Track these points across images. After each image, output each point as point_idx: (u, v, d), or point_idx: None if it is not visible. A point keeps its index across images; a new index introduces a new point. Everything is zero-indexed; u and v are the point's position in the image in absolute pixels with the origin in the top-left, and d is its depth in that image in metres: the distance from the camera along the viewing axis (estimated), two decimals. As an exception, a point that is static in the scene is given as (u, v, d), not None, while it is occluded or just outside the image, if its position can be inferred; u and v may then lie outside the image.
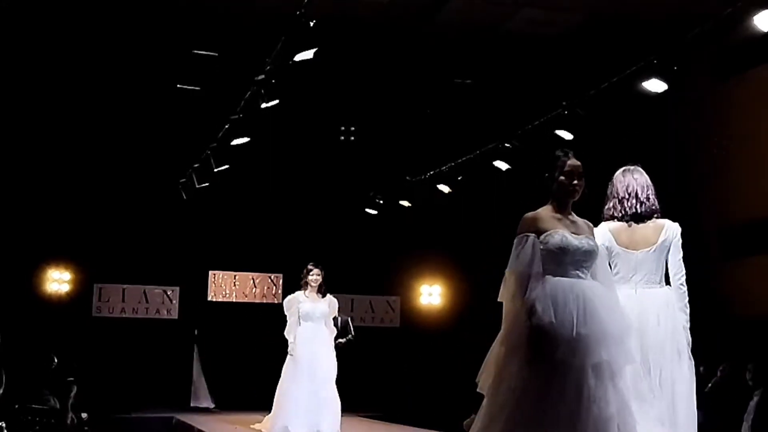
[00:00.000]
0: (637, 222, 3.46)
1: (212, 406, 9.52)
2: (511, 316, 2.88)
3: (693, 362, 3.34)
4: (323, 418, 6.00)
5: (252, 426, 6.88)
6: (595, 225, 3.14)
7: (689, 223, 4.03)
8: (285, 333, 6.28)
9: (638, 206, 3.44)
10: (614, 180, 3.56)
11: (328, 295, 6.35)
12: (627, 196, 3.52)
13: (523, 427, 2.70)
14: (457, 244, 10.17)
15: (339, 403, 6.18)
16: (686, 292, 3.42)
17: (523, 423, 2.70)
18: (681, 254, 3.43)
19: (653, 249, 3.45)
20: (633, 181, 3.48)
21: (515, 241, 2.92)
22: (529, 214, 2.98)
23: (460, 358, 9.09)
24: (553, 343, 2.72)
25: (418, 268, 10.48)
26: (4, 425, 5.93)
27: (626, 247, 3.50)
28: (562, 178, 2.91)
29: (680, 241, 3.44)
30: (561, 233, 2.86)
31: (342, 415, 6.61)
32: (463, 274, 10.40)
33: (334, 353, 6.31)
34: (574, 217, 2.97)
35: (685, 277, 3.44)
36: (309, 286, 6.27)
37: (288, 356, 6.16)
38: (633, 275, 3.46)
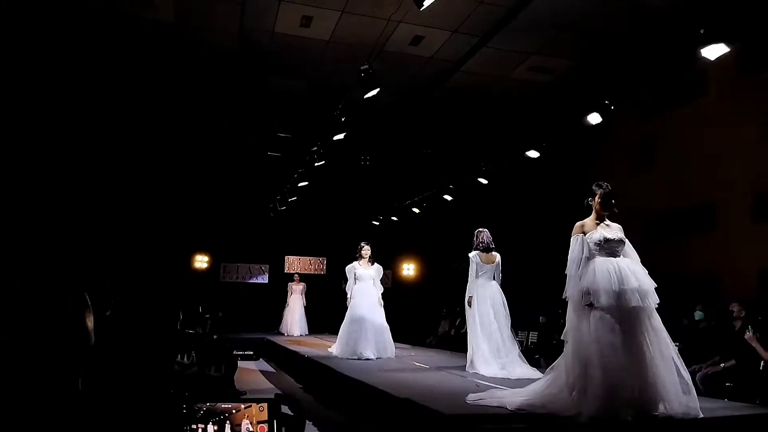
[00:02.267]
0: (487, 252, 6.13)
1: (301, 334, 11.69)
2: (572, 283, 3.78)
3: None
4: (381, 345, 7.14)
5: (328, 349, 7.84)
6: (570, 225, 3.99)
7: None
8: (345, 288, 7.65)
9: (489, 244, 6.16)
10: (478, 233, 6.21)
11: (375, 263, 7.60)
12: (485, 240, 6.18)
13: (587, 351, 3.51)
14: (424, 242, 13.32)
15: (390, 333, 7.34)
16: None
17: (587, 348, 3.53)
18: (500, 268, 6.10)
19: (494, 264, 6.12)
20: (485, 235, 6.22)
21: (571, 239, 3.91)
22: (579, 222, 3.95)
23: (424, 303, 12.18)
24: (596, 295, 3.59)
25: (401, 255, 13.95)
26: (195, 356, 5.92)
27: (484, 262, 6.10)
28: (598, 200, 3.94)
29: (500, 263, 6.15)
30: (600, 232, 3.84)
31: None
32: (425, 259, 13.87)
33: (381, 302, 7.46)
34: (608, 221, 3.93)
35: (500, 279, 6.08)
36: (362, 257, 7.60)
37: (348, 303, 7.49)
38: (486, 275, 6.08)
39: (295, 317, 12.15)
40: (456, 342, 9.20)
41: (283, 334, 11.90)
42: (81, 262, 10.59)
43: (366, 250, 7.63)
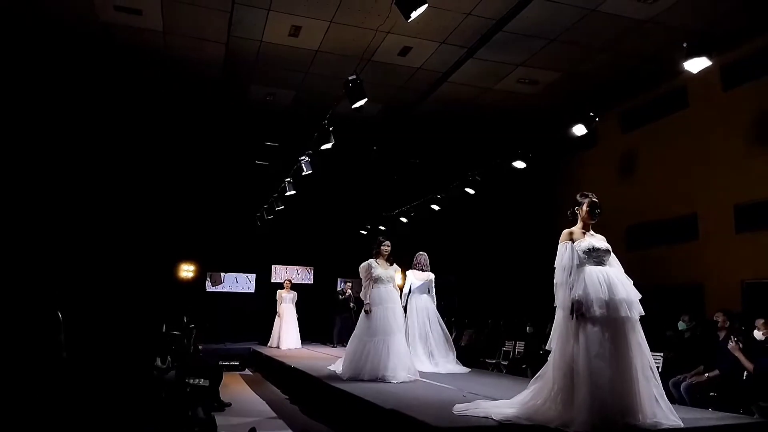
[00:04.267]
0: (422, 272, 7.37)
1: (295, 347, 10.78)
2: (561, 292, 3.73)
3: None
4: (404, 363, 5.90)
5: (329, 368, 6.78)
6: (558, 232, 4.03)
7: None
8: (361, 295, 6.34)
9: (424, 267, 7.38)
10: (417, 256, 7.46)
11: (394, 263, 6.45)
12: (422, 262, 7.43)
13: (575, 361, 3.51)
14: (409, 252, 13.02)
15: (408, 354, 6.13)
16: (435, 297, 7.18)
17: (571, 355, 3.54)
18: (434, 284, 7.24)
19: (428, 281, 7.32)
20: (423, 257, 7.46)
21: (559, 246, 3.85)
22: (566, 230, 3.94)
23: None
24: (588, 306, 3.57)
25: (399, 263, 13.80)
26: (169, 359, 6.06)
27: (419, 279, 7.28)
28: (586, 209, 4.00)
29: (434, 281, 7.32)
30: (588, 241, 3.86)
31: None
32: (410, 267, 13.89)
33: (402, 309, 6.32)
34: (593, 232, 4.01)
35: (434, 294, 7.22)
36: (380, 255, 6.37)
37: (363, 313, 6.14)
38: (420, 289, 7.24)
39: (288, 329, 11.17)
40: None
41: (278, 348, 10.88)
42: (60, 271, 10.25)
43: (387, 246, 6.47)
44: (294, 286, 11.93)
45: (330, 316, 12.47)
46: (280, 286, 12.79)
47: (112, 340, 3.81)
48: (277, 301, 11.56)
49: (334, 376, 6.23)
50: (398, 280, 6.52)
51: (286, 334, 11.11)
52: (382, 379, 5.77)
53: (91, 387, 3.16)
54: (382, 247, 6.47)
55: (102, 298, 8.00)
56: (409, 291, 7.28)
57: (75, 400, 3.03)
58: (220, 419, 5.88)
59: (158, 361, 4.94)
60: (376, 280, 6.26)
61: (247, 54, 9.48)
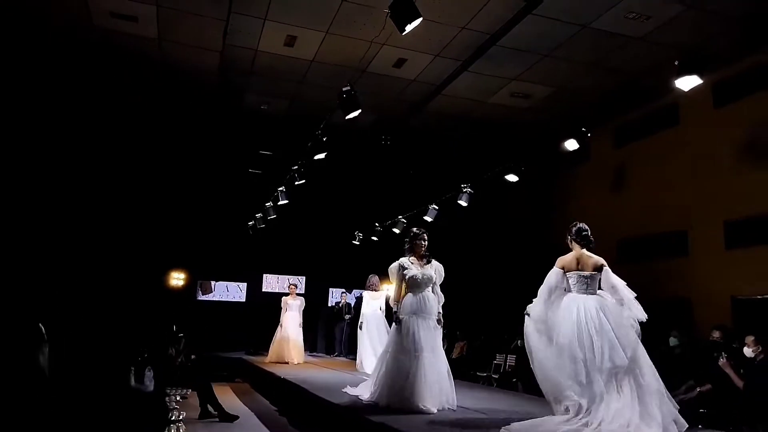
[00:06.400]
0: (375, 292, 8.77)
1: (299, 361, 9.99)
2: (537, 307, 4.20)
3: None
4: (444, 390, 4.86)
5: (348, 391, 5.67)
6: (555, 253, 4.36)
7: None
8: (390, 302, 5.32)
9: (375, 287, 8.82)
10: (370, 277, 8.88)
11: (433, 260, 5.20)
12: (374, 283, 8.97)
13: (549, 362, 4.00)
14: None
15: (448, 378, 4.93)
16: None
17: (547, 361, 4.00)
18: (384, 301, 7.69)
19: (379, 300, 8.54)
20: (375, 279, 8.95)
21: (552, 270, 4.26)
22: (561, 257, 4.33)
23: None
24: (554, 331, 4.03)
25: (381, 276, 11.89)
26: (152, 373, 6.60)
27: (372, 298, 8.61)
28: (573, 237, 4.36)
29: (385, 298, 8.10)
30: (573, 272, 4.24)
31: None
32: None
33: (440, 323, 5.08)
34: (589, 253, 4.31)
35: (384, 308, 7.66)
36: (415, 252, 5.14)
37: (394, 326, 5.03)
38: (373, 305, 8.51)
39: (292, 341, 10.09)
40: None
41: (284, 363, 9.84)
42: (44, 280, 9.99)
43: (423, 241, 5.20)
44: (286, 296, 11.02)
45: (327, 326, 12.55)
46: (271, 295, 12.88)
47: (92, 352, 3.67)
48: (282, 308, 10.40)
49: (359, 403, 5.13)
50: (439, 281, 5.21)
51: (289, 346, 10.04)
52: (419, 409, 4.65)
53: (73, 404, 3.01)
54: (416, 242, 5.18)
55: (86, 308, 7.85)
56: (364, 307, 8.86)
57: (56, 418, 2.88)
58: (210, 431, 5.81)
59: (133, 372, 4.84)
60: (411, 284, 5.05)
61: (242, 63, 9.49)
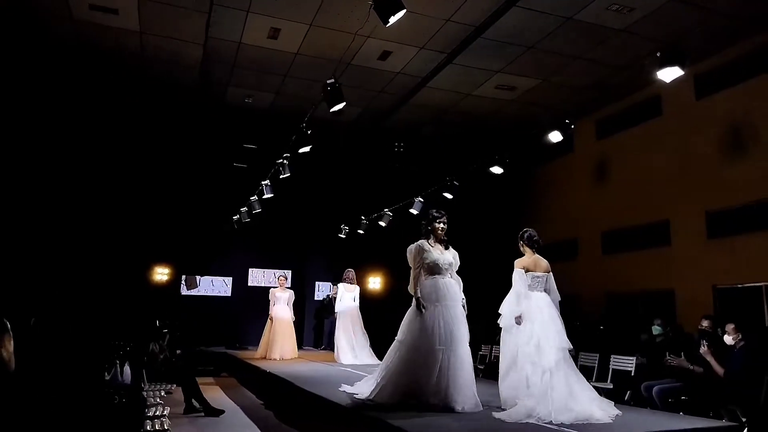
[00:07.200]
0: (351, 284, 9.29)
1: (292, 357, 9.79)
2: (507, 306, 4.85)
3: None
4: (465, 388, 4.44)
5: (344, 390, 5.35)
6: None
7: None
8: (408, 288, 4.80)
9: (352, 280, 9.41)
10: (347, 272, 9.35)
11: (450, 246, 4.96)
12: (350, 277, 9.50)
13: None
14: (389, 257, 11.43)
15: (472, 373, 4.59)
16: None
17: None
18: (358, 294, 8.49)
19: (353, 293, 9.19)
20: (352, 273, 9.39)
21: (515, 273, 4.83)
22: (518, 259, 4.88)
23: (387, 314, 11.12)
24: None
25: (368, 269, 13.37)
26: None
27: (347, 291, 9.15)
28: (526, 243, 5.00)
29: (359, 291, 9.30)
30: (532, 274, 4.86)
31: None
32: (391, 274, 13.31)
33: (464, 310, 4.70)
34: (538, 255, 4.90)
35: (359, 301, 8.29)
36: (435, 236, 4.85)
37: (412, 312, 4.64)
38: (348, 297, 9.15)
39: (283, 335, 9.79)
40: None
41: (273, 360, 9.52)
42: (18, 274, 9.67)
43: (443, 224, 4.89)
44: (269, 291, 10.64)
45: (316, 319, 12.71)
46: (257, 289, 12.74)
47: (67, 346, 3.60)
48: (270, 301, 10.10)
49: (359, 402, 4.69)
50: (456, 268, 4.91)
51: (282, 340, 9.74)
52: (444, 407, 4.29)
53: (41, 400, 2.94)
54: (435, 224, 4.86)
55: (66, 303, 7.80)
56: (339, 299, 9.23)
57: (22, 415, 2.83)
58: (195, 426, 5.79)
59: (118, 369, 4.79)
60: (431, 269, 4.69)
61: (225, 55, 9.42)
